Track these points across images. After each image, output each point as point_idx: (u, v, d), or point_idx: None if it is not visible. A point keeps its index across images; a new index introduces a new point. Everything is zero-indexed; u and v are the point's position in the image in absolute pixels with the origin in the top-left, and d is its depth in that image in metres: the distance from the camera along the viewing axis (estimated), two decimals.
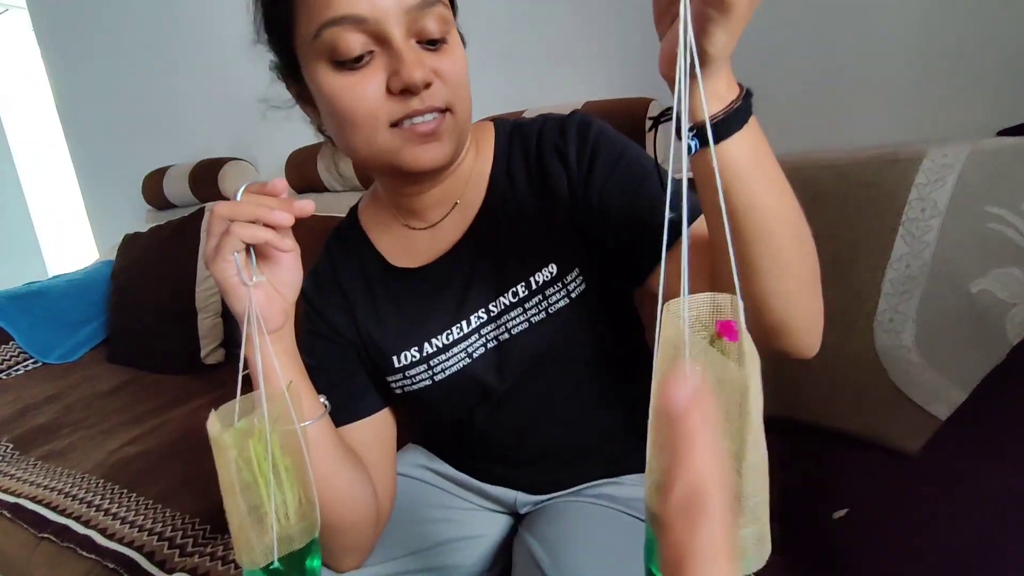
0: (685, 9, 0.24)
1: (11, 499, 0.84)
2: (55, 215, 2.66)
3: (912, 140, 0.80)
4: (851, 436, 0.76)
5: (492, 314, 0.48)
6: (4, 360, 1.41)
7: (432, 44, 0.40)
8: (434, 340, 0.49)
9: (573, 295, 0.47)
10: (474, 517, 0.59)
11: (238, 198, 0.36)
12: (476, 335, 0.49)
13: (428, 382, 0.50)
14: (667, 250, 0.24)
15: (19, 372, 1.42)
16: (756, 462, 0.24)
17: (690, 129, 0.30)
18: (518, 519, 0.59)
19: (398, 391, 0.52)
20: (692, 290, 0.24)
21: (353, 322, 0.52)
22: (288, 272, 0.40)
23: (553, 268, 0.47)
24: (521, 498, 0.57)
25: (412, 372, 0.50)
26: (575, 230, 0.47)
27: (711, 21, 0.26)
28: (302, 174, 1.34)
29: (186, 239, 1.40)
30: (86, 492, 0.84)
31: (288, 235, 0.38)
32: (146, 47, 1.78)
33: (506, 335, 0.48)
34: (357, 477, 0.46)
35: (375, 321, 0.52)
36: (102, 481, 0.87)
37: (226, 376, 1.29)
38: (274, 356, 0.39)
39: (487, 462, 0.58)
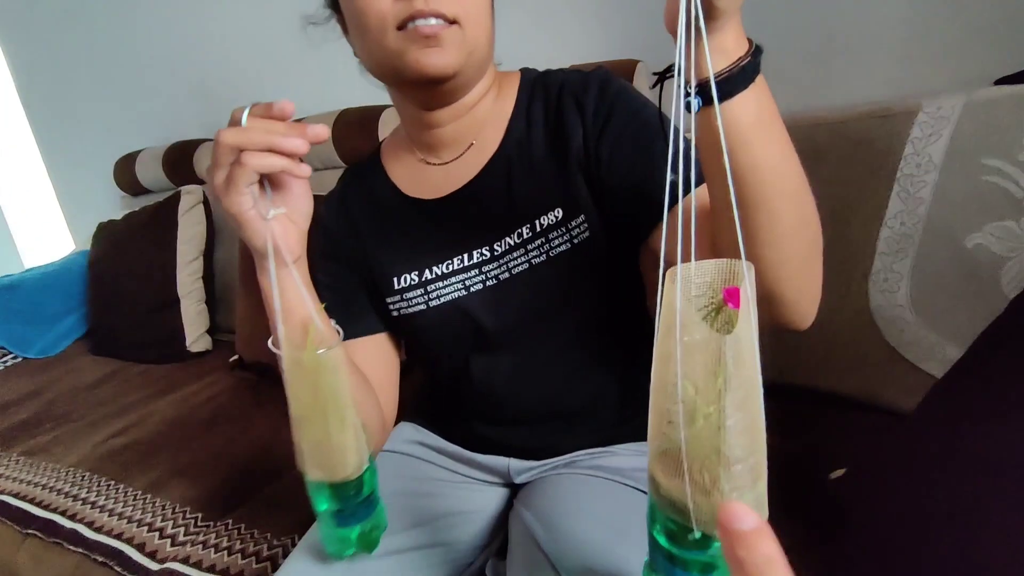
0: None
1: None
2: (26, 205, 2.56)
3: (907, 94, 0.78)
4: (847, 397, 0.76)
5: (495, 253, 0.50)
6: None
7: None
8: (434, 268, 0.51)
9: (576, 241, 0.48)
10: (469, 491, 0.58)
11: (243, 122, 0.34)
12: (476, 270, 0.50)
13: (423, 306, 0.52)
14: (670, 213, 0.24)
15: None
16: (746, 424, 0.23)
17: (694, 86, 0.29)
18: (514, 492, 0.58)
19: (395, 313, 0.54)
20: (692, 256, 0.24)
21: (360, 244, 0.55)
22: (301, 200, 0.40)
23: (559, 212, 0.48)
24: (514, 465, 0.56)
25: (410, 295, 0.52)
26: (585, 180, 0.48)
27: None
28: None
29: (164, 225, 1.35)
30: (72, 486, 0.82)
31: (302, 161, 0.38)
32: (111, 27, 1.69)
33: (506, 274, 0.49)
34: (366, 391, 0.50)
35: (380, 244, 0.54)
36: (88, 474, 0.85)
37: (214, 363, 1.26)
38: (301, 286, 0.39)
39: (481, 423, 0.57)
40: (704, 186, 0.37)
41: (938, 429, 0.49)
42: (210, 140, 1.52)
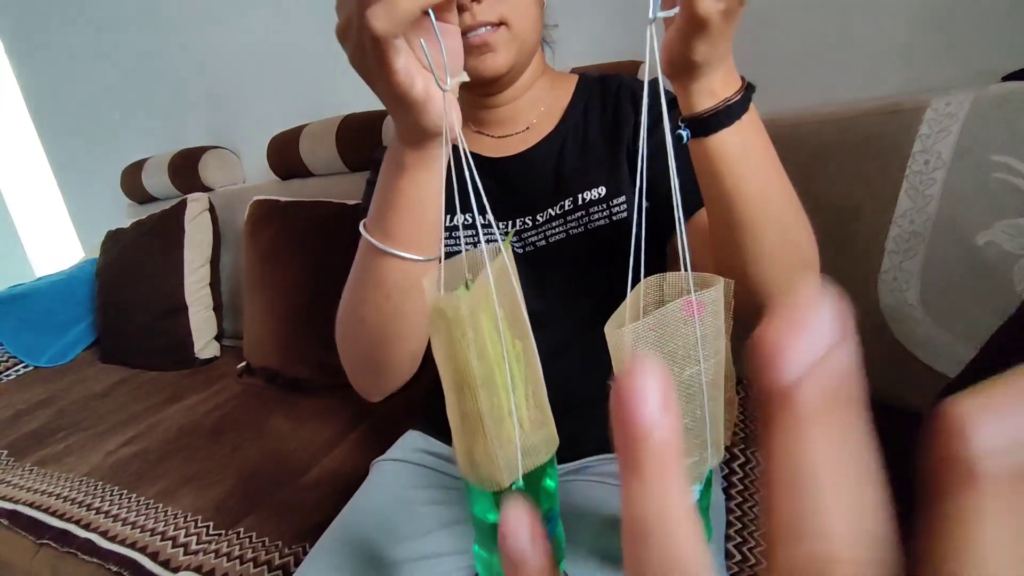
0: (651, 39, 0.26)
1: (8, 506, 0.83)
2: (36, 215, 2.59)
3: (915, 90, 0.77)
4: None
5: (537, 223, 0.53)
6: None
7: None
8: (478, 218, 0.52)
9: (614, 218, 0.50)
10: None
11: None
12: (516, 236, 0.53)
13: (456, 247, 0.53)
14: (683, 230, 0.29)
15: (10, 377, 1.39)
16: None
17: (682, 120, 0.34)
18: None
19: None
20: (697, 269, 0.30)
21: None
22: (458, 57, 0.30)
23: (602, 190, 0.51)
24: None
25: (456, 234, 0.53)
26: (629, 167, 0.51)
27: (691, 35, 0.29)
28: (285, 159, 1.29)
29: (170, 232, 1.36)
30: (85, 495, 0.83)
31: None
32: (117, 37, 1.70)
33: (543, 242, 0.52)
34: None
35: None
36: (101, 483, 0.86)
37: (222, 369, 1.27)
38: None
39: None
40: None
41: None
42: (215, 147, 1.53)
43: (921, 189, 0.71)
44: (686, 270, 0.30)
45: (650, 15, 0.28)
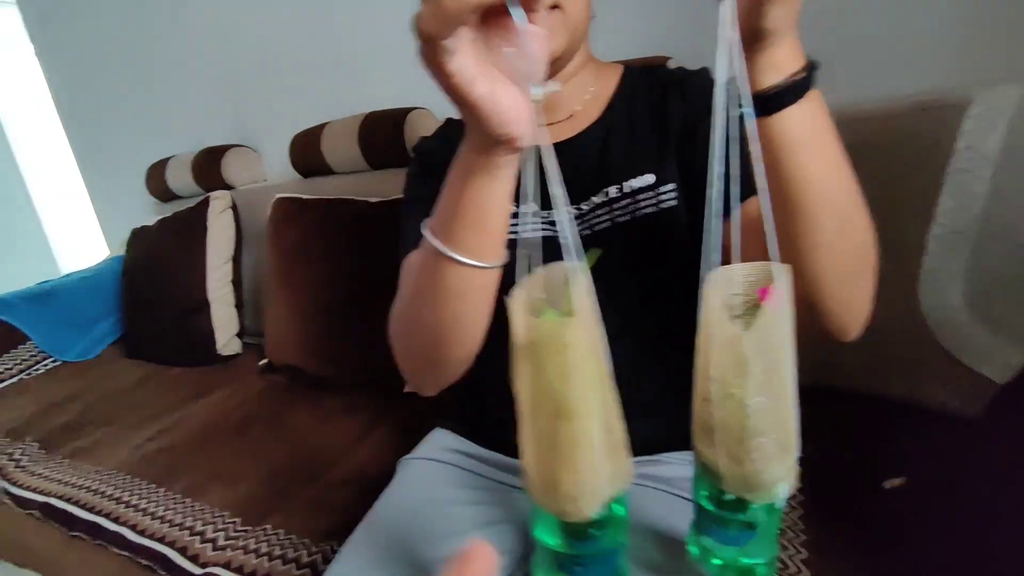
0: (731, 12, 0.25)
1: (40, 498, 0.84)
2: (62, 212, 2.65)
3: (956, 85, 0.75)
4: (896, 401, 0.73)
5: (581, 211, 0.52)
6: (24, 360, 1.41)
7: None
8: (521, 206, 0.50)
9: (662, 206, 0.49)
10: (510, 498, 0.57)
11: None
12: (551, 225, 0.51)
13: (512, 234, 0.52)
14: (733, 218, 0.29)
15: (39, 371, 1.42)
16: (770, 405, 0.27)
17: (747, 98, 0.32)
18: None
19: None
20: (747, 259, 0.30)
21: None
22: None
23: (651, 178, 0.50)
24: None
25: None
26: (679, 155, 0.50)
27: (764, 1, 0.27)
28: (306, 156, 1.30)
29: (194, 230, 1.38)
30: (115, 488, 0.84)
31: None
32: (142, 38, 1.73)
33: (587, 231, 0.51)
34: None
35: None
36: (129, 477, 0.86)
37: (245, 366, 1.28)
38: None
39: None
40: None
41: (1010, 439, 0.47)
42: (237, 146, 1.54)
43: (965, 187, 0.69)
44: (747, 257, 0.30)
45: None
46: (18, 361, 1.40)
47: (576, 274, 0.24)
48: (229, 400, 1.10)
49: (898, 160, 0.73)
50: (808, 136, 0.32)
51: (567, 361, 0.21)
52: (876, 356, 0.75)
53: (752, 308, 0.31)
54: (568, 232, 0.25)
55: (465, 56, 0.25)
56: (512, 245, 0.50)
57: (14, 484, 0.89)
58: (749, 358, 0.27)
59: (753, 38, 0.29)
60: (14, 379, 1.37)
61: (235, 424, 0.99)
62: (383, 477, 0.78)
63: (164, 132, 1.83)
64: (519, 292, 0.24)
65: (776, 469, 0.29)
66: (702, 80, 0.52)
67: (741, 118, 0.32)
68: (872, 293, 0.38)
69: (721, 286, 0.30)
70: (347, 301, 1.06)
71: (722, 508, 0.31)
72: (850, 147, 0.81)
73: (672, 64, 0.90)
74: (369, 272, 1.05)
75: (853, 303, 0.37)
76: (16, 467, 0.95)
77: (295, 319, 1.13)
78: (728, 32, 0.26)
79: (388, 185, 1.14)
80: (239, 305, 1.42)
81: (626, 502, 0.27)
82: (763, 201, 0.36)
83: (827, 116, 0.33)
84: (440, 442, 0.63)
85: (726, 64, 0.28)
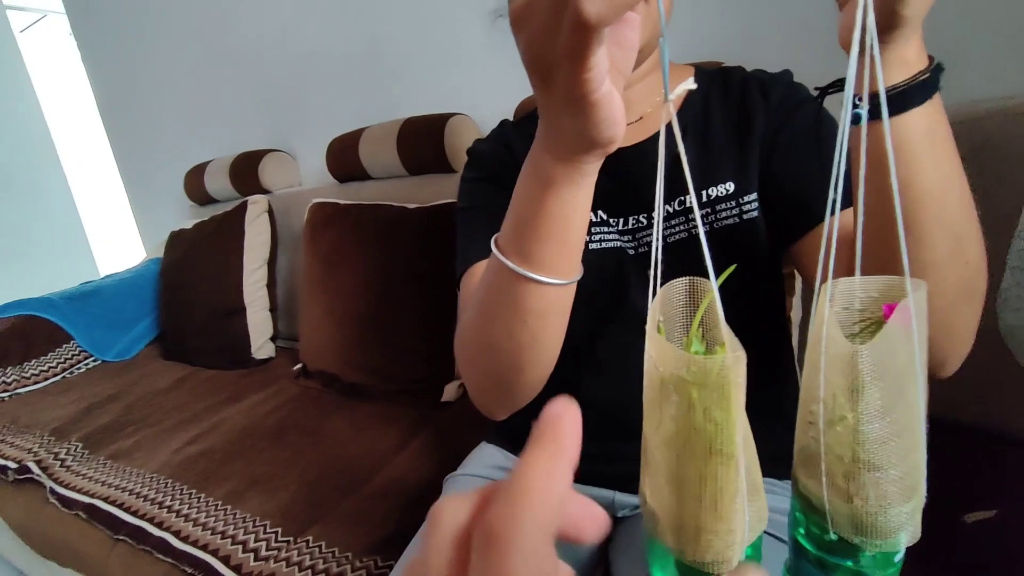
0: (866, 4, 0.21)
1: (86, 499, 0.85)
2: (103, 216, 2.73)
3: None
4: (973, 427, 0.69)
5: (653, 221, 0.49)
6: (67, 359, 1.44)
7: None
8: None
9: (744, 217, 0.47)
10: None
11: None
12: (630, 236, 0.49)
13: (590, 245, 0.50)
14: (819, 227, 0.26)
15: (80, 370, 1.45)
16: (890, 435, 0.23)
17: (860, 98, 0.28)
18: (616, 523, 0.54)
19: None
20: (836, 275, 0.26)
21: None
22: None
23: (731, 186, 0.47)
24: (619, 499, 0.52)
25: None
26: (760, 164, 0.47)
27: None
28: (344, 161, 1.30)
29: (231, 234, 1.39)
30: (156, 492, 0.84)
31: None
32: (182, 45, 1.77)
33: (661, 242, 0.47)
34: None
35: None
36: (170, 481, 0.87)
37: (279, 371, 1.28)
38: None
39: (587, 438, 0.53)
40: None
41: None
42: (273, 150, 1.56)
43: None
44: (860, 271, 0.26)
45: None
46: (62, 359, 1.43)
47: (711, 295, 0.21)
48: (264, 405, 1.10)
49: (977, 170, 0.69)
50: (928, 142, 0.29)
51: (732, 401, 0.19)
52: (950, 378, 0.70)
53: (873, 326, 0.27)
54: (704, 245, 0.23)
55: (604, 49, 0.22)
56: (605, 255, 0.49)
57: (60, 484, 0.91)
58: (866, 378, 0.24)
59: (886, 26, 0.26)
60: (58, 377, 1.41)
61: (271, 430, 0.99)
62: (423, 489, 0.77)
63: (202, 137, 1.86)
64: (654, 318, 0.22)
65: (894, 514, 0.25)
66: (785, 83, 0.49)
67: (856, 120, 0.30)
68: (977, 323, 0.35)
69: (837, 299, 0.27)
70: (383, 308, 1.05)
71: (825, 550, 0.27)
72: None
73: None
74: (406, 279, 1.04)
75: (957, 333, 0.34)
76: (61, 466, 0.96)
77: (330, 325, 1.13)
78: (866, 18, 0.22)
79: (426, 191, 1.14)
80: (273, 309, 1.43)
81: (760, 547, 0.24)
82: (862, 204, 0.34)
83: (947, 122, 0.30)
84: (488, 459, 0.61)
85: (856, 53, 0.24)
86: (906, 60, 0.27)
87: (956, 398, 0.71)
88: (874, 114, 0.28)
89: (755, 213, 0.46)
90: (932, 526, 0.59)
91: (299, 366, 1.22)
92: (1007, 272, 0.67)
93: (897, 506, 0.25)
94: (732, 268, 0.25)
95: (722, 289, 0.49)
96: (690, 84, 0.22)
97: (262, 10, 1.51)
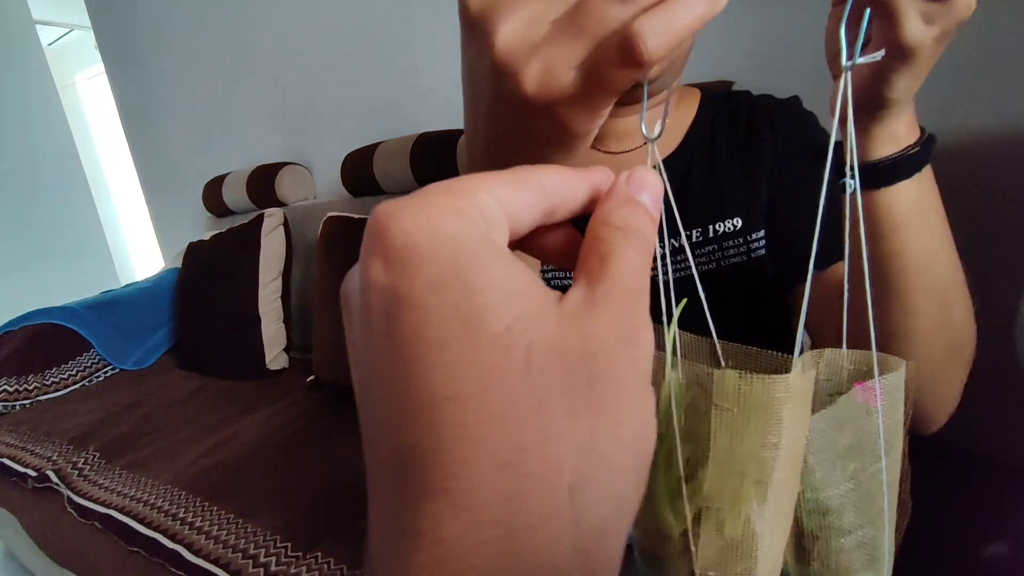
0: (846, 86, 0.22)
1: (101, 509, 0.87)
2: (124, 225, 2.80)
3: None
4: (987, 459, 0.67)
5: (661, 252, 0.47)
6: (87, 367, 1.47)
7: None
8: None
9: (752, 255, 0.45)
10: None
11: None
12: None
13: None
14: (812, 282, 0.25)
15: (99, 378, 1.48)
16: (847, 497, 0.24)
17: (851, 168, 0.29)
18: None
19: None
20: (821, 335, 0.31)
21: None
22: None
23: (738, 222, 0.46)
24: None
25: None
26: (768, 199, 0.46)
27: (891, 68, 0.25)
28: (358, 176, 1.32)
29: (247, 246, 1.42)
30: (170, 504, 0.85)
31: None
32: (203, 59, 1.82)
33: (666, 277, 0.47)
34: None
35: None
36: (184, 493, 0.88)
37: (292, 382, 1.30)
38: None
39: None
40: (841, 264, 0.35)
41: None
42: (290, 163, 1.59)
43: None
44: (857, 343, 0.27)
45: (844, 62, 0.24)
46: (82, 368, 1.46)
47: (673, 327, 0.22)
48: (277, 417, 1.11)
49: (991, 194, 0.68)
50: (916, 213, 0.30)
51: (783, 424, 0.19)
52: (967, 409, 0.69)
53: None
54: (694, 269, 0.24)
55: None
56: None
57: (77, 493, 0.93)
58: (809, 449, 0.24)
59: (873, 106, 0.27)
60: (77, 385, 1.44)
61: (284, 443, 1.00)
62: None
63: (221, 149, 1.91)
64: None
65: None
66: (794, 114, 0.48)
67: (844, 188, 0.30)
68: (963, 384, 0.36)
69: (823, 368, 0.28)
70: None
71: None
72: (937, 180, 0.76)
73: (737, 88, 0.87)
74: None
75: (942, 394, 0.35)
76: (79, 476, 0.98)
77: (342, 338, 1.14)
78: (846, 102, 0.24)
79: None
80: (287, 320, 1.45)
81: None
82: (849, 267, 0.34)
83: (936, 193, 0.31)
84: None
85: (842, 132, 0.26)
86: (895, 135, 0.28)
87: (976, 430, 0.69)
88: (864, 184, 0.29)
89: (763, 251, 0.46)
90: (945, 559, 0.58)
91: (312, 378, 1.23)
92: (1023, 302, 0.66)
93: (858, 573, 0.26)
94: (683, 303, 0.25)
95: (729, 328, 0.48)
96: (657, 128, 0.20)
97: (281, 26, 1.55)
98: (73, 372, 1.45)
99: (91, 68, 3.45)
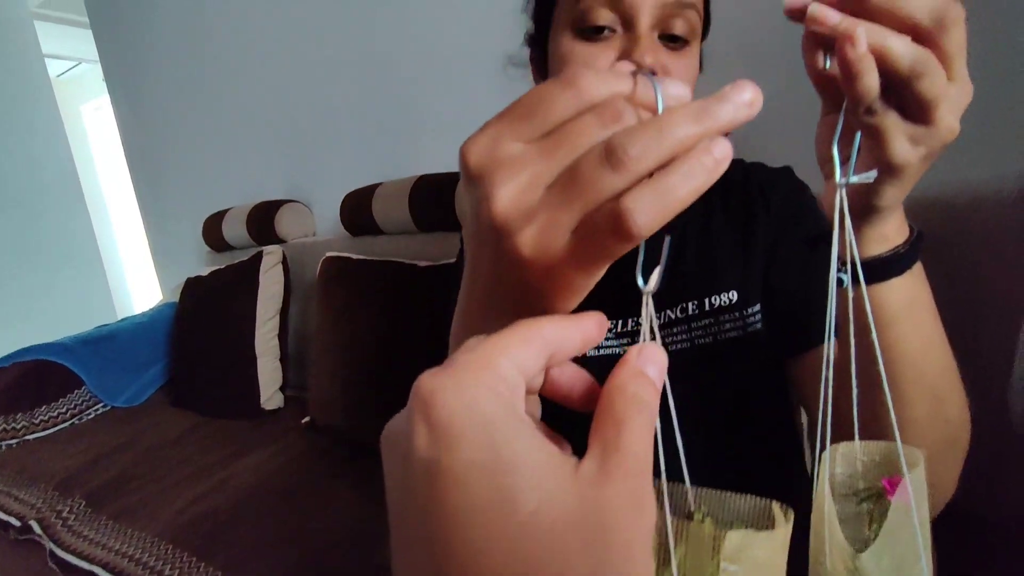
0: (840, 202, 0.24)
1: (85, 565, 0.84)
2: (124, 257, 2.80)
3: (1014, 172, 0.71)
4: (985, 522, 0.66)
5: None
6: (77, 405, 1.45)
7: (673, 41, 0.41)
8: None
9: (748, 330, 0.45)
10: None
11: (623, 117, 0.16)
12: (629, 339, 0.47)
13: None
14: (808, 359, 0.29)
15: (90, 416, 1.46)
16: None
17: (844, 264, 0.30)
18: None
19: None
20: (811, 409, 0.29)
21: None
22: None
23: (734, 295, 0.46)
24: None
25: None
26: (763, 272, 0.46)
27: (880, 182, 0.26)
28: (357, 215, 1.33)
29: (246, 284, 1.42)
30: (156, 559, 0.83)
31: None
32: (208, 96, 1.85)
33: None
34: None
35: None
36: (170, 547, 0.85)
37: (287, 423, 1.28)
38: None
39: None
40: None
41: None
42: (290, 201, 1.60)
43: None
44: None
45: (838, 180, 0.25)
46: (72, 406, 1.44)
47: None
48: (272, 462, 1.09)
49: (980, 252, 0.69)
50: (907, 309, 0.31)
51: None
52: (964, 470, 0.68)
53: (874, 496, 0.28)
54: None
55: None
56: (601, 362, 0.48)
57: (60, 546, 0.90)
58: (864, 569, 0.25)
59: (864, 212, 0.28)
60: (67, 423, 1.41)
61: (277, 491, 0.98)
62: None
63: (223, 185, 1.93)
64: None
65: None
66: (786, 186, 0.49)
67: (840, 282, 0.31)
68: (958, 474, 0.36)
69: (839, 462, 0.28)
70: (391, 366, 1.05)
71: None
72: (936, 235, 0.76)
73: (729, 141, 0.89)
74: (415, 337, 1.04)
75: (936, 484, 0.35)
76: (63, 525, 0.95)
77: (339, 380, 1.13)
78: (842, 213, 0.25)
79: (436, 248, 1.16)
80: (284, 358, 1.44)
81: None
82: (841, 355, 0.34)
83: (927, 289, 0.32)
84: None
85: (838, 242, 0.27)
86: (885, 236, 0.29)
87: (973, 491, 0.68)
88: (857, 280, 0.30)
89: (759, 325, 0.46)
90: None
91: (307, 419, 1.22)
92: (1017, 361, 0.66)
93: None
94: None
95: (727, 405, 0.48)
96: (654, 281, 0.19)
97: (285, 65, 1.59)
98: (63, 410, 1.43)
99: (96, 99, 3.51)
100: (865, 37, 0.20)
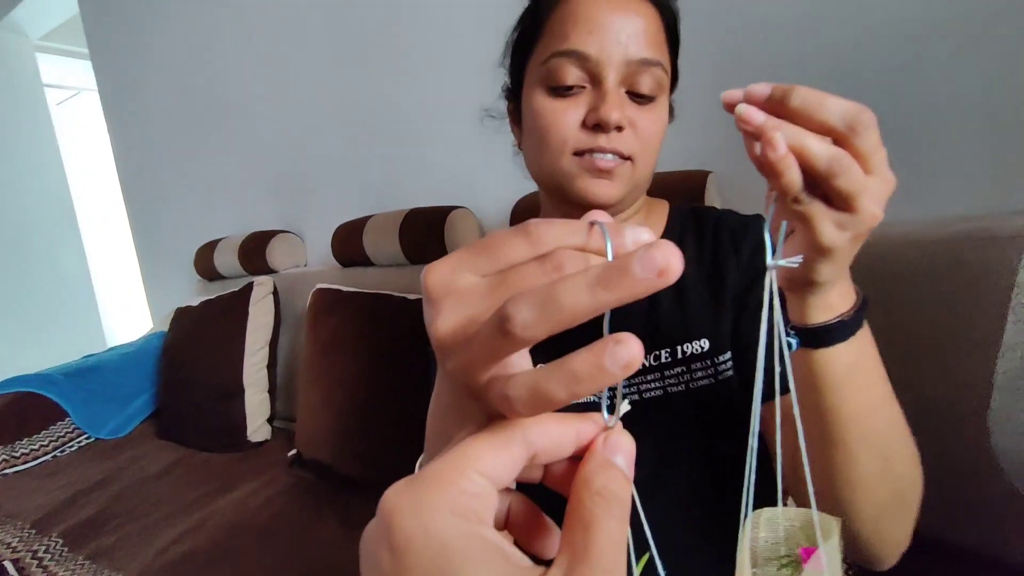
0: (771, 283, 0.25)
1: None
2: (115, 285, 2.79)
3: (995, 209, 0.73)
4: (965, 552, 0.66)
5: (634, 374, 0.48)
6: (60, 437, 1.43)
7: (640, 98, 0.43)
8: None
9: (719, 378, 0.46)
10: None
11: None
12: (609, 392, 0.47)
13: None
14: (773, 407, 0.29)
15: (72, 449, 1.43)
16: None
17: (793, 328, 0.32)
18: None
19: None
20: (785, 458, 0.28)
21: None
22: None
23: (705, 343, 0.46)
24: None
25: None
26: (733, 321, 0.47)
27: (815, 261, 0.28)
28: (348, 247, 1.35)
29: (235, 315, 1.42)
30: None
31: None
32: (204, 129, 1.89)
33: (635, 396, 0.47)
34: None
35: None
36: None
37: (273, 456, 1.26)
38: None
39: None
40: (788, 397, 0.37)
41: None
42: (282, 231, 1.62)
43: None
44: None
45: (769, 262, 0.26)
46: (54, 437, 1.42)
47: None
48: (255, 497, 1.07)
49: (954, 289, 0.71)
50: (853, 372, 0.32)
51: None
52: (944, 500, 0.68)
53: (793, 564, 0.29)
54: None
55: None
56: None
57: None
58: None
59: (806, 284, 0.30)
60: (48, 456, 1.39)
61: (261, 529, 0.96)
62: None
63: (215, 215, 1.94)
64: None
65: None
66: (756, 236, 0.50)
67: (790, 346, 0.32)
68: (912, 528, 0.37)
69: (762, 527, 0.29)
70: (380, 400, 1.05)
71: None
72: (896, 273, 0.78)
73: (712, 179, 0.92)
74: (404, 371, 1.04)
75: (889, 539, 0.36)
76: (38, 566, 0.93)
77: (327, 413, 1.12)
78: (773, 298, 0.26)
79: None
80: (272, 390, 1.43)
81: None
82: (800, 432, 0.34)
83: (875, 350, 0.33)
84: None
85: (771, 320, 0.28)
86: (830, 304, 0.30)
87: (953, 522, 0.69)
88: (802, 344, 0.32)
89: (730, 372, 0.46)
90: None
91: (293, 452, 1.20)
92: (994, 393, 0.67)
93: None
94: (645, 558, 0.22)
95: (701, 453, 0.48)
96: (624, 409, 0.20)
97: (280, 99, 1.63)
98: (45, 442, 1.40)
99: (95, 126, 3.55)
100: (783, 140, 0.23)
